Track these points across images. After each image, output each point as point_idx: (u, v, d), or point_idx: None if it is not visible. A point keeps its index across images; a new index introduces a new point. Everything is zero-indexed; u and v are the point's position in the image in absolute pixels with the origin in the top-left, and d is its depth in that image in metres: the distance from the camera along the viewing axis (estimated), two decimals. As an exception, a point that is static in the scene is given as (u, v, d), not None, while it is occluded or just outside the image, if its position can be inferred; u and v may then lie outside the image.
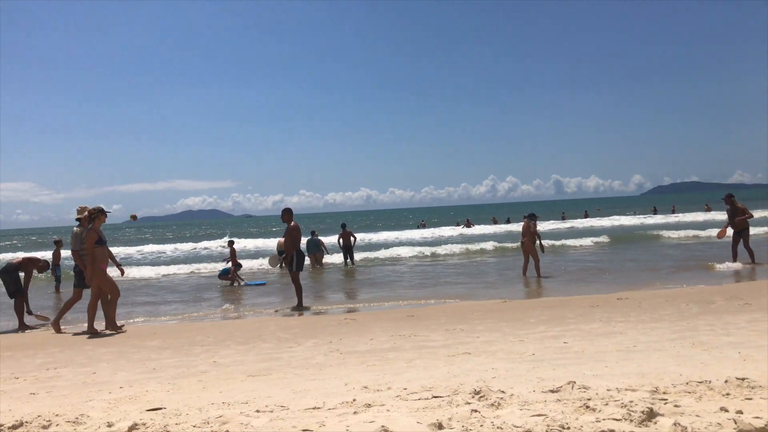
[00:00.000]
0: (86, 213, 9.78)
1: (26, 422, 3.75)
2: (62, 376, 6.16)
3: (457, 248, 24.62)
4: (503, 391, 3.93)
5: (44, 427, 3.62)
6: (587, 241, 25.47)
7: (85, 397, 4.90)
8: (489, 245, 24.94)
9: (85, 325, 9.68)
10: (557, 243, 24.80)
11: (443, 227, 48.28)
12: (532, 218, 15.34)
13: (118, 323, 9.94)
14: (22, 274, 11.07)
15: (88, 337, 9.08)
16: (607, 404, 3.41)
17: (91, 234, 9.47)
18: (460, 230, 43.22)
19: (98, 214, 9.65)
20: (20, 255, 16.32)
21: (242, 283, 16.60)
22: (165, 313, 12.13)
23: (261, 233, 55.13)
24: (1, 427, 3.68)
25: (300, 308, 11.37)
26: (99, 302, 9.74)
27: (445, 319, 8.79)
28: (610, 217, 48.93)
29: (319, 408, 3.70)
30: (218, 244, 39.28)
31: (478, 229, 43.29)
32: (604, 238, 26.55)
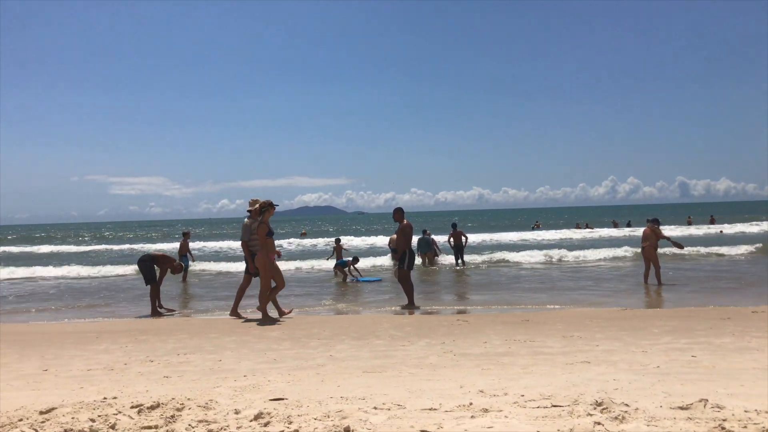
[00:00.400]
0: (257, 206, 10.39)
1: (162, 404, 4.02)
2: (191, 361, 6.56)
3: (573, 252, 23.76)
4: (627, 405, 3.76)
5: (178, 410, 3.87)
6: (740, 249, 22.87)
7: (213, 383, 5.19)
8: (608, 251, 23.81)
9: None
10: (704, 250, 22.90)
11: (560, 229, 46.85)
12: (654, 223, 14.63)
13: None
14: (157, 268, 11.93)
15: (242, 322, 9.91)
16: (745, 427, 3.18)
17: (263, 226, 10.15)
18: (580, 233, 41.79)
19: (268, 207, 10.29)
20: (160, 249, 17.58)
21: (357, 279, 16.92)
22: (283, 305, 12.59)
23: (372, 231, 56.01)
24: (141, 407, 3.97)
25: (411, 307, 11.44)
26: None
27: (562, 326, 8.54)
28: (750, 223, 44.98)
29: (435, 409, 3.71)
30: (325, 242, 40.27)
31: (597, 233, 41.70)
32: (748, 247, 23.68)
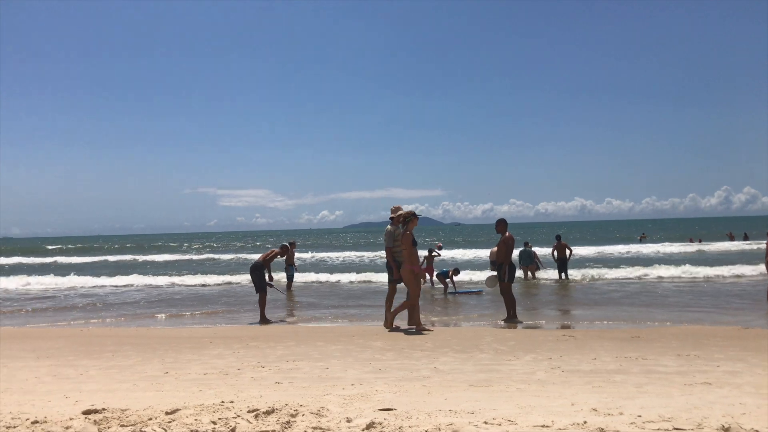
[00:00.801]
0: (399, 213, 10.54)
1: (277, 410, 4.17)
2: (300, 368, 6.75)
3: (684, 266, 22.50)
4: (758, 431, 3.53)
5: (292, 416, 4.00)
6: None
7: (322, 391, 5.33)
8: (726, 267, 22.32)
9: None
10: None
11: (669, 243, 44.57)
12: None
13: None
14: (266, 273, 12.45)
15: (405, 332, 9.90)
16: None
17: (408, 237, 10.23)
18: (692, 245, 39.61)
19: (411, 217, 10.38)
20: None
21: (456, 291, 16.83)
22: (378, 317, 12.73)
23: (469, 243, 55.44)
24: (257, 412, 4.14)
25: (512, 320, 11.23)
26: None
27: (677, 344, 8.12)
28: None
29: (548, 426, 3.63)
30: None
31: (711, 245, 39.37)
32: None
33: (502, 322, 11.22)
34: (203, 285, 21.71)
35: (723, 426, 3.58)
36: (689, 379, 5.79)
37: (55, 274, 26.61)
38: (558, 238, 20.92)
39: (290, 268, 19.11)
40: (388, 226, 10.64)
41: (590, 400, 4.69)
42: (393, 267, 10.38)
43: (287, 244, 14.21)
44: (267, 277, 12.53)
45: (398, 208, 10.67)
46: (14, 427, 3.92)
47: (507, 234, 11.49)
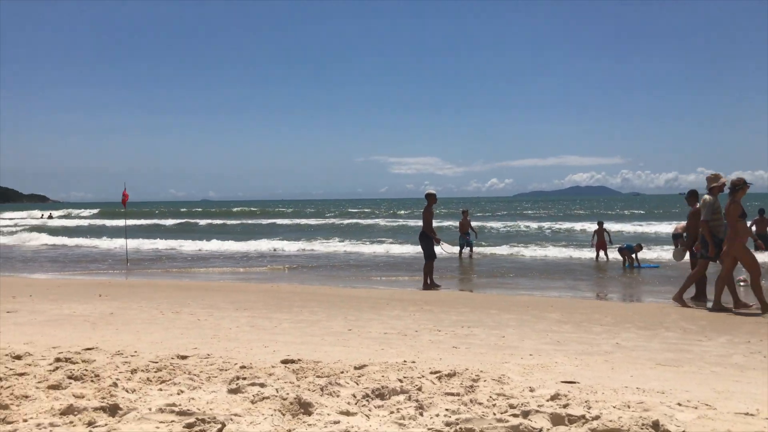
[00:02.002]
0: (721, 182, 9.62)
1: (458, 373, 4.27)
2: (476, 335, 6.83)
3: None
4: None
5: (474, 381, 4.07)
6: None
7: (500, 359, 5.36)
8: None
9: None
10: None
11: None
12: None
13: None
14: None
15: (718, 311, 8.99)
16: None
17: (735, 207, 9.28)
18: None
19: (742, 185, 9.42)
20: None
21: (635, 265, 15.95)
22: (556, 287, 12.44)
23: (651, 216, 51.69)
24: (440, 373, 4.27)
25: (700, 301, 10.27)
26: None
27: None
28: None
29: (752, 415, 3.37)
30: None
31: None
32: None
33: (691, 301, 10.39)
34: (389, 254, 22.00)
35: None
36: None
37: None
38: (761, 212, 18.84)
39: (462, 237, 18.96)
40: (706, 196, 9.68)
41: (801, 390, 4.27)
42: (710, 243, 9.47)
43: (433, 192, 12.53)
44: (434, 240, 12.37)
45: (717, 176, 9.78)
46: (226, 369, 4.40)
47: (697, 205, 10.57)
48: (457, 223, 20.40)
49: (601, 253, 17.52)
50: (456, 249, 15.12)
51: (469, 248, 19.04)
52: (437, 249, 12.63)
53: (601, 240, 17.56)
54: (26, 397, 3.48)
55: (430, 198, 12.33)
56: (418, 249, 13.06)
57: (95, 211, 62.27)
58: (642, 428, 2.94)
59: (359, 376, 4.17)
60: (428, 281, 12.19)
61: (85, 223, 46.88)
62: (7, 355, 4.78)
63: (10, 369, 4.27)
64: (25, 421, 3.10)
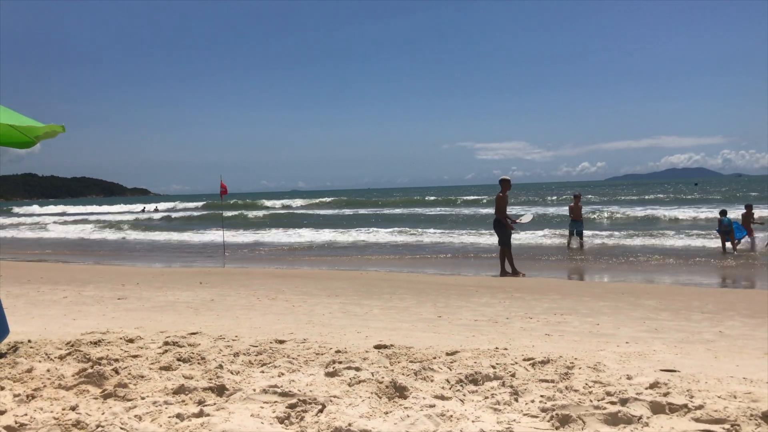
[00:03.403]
0: None
1: (552, 360, 4.23)
2: (569, 322, 6.72)
3: None
4: None
5: (569, 368, 4.02)
6: None
7: (596, 347, 5.25)
8: None
9: None
10: None
11: None
12: None
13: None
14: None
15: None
16: None
17: None
18: None
19: None
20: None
21: (762, 246, 15.06)
22: (653, 270, 11.99)
23: (754, 198, 48.29)
24: (533, 360, 4.24)
25: None
26: None
27: None
28: None
29: None
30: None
31: None
32: None
33: None
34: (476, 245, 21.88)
35: None
36: None
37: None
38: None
39: (574, 224, 17.20)
40: None
41: None
42: None
43: (507, 178, 12.30)
44: (509, 223, 12.17)
45: None
46: (322, 354, 4.55)
47: None
48: (567, 209, 18.24)
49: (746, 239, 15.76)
50: (529, 218, 13.79)
51: (579, 237, 17.11)
52: (515, 228, 12.58)
53: (747, 225, 15.95)
54: (142, 377, 3.74)
55: (504, 184, 12.20)
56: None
57: (199, 204, 64.71)
58: (750, 419, 2.83)
59: (452, 362, 4.21)
60: (506, 268, 11.97)
61: (192, 213, 48.96)
62: (121, 338, 5.14)
63: (125, 351, 4.60)
64: (142, 399, 3.35)
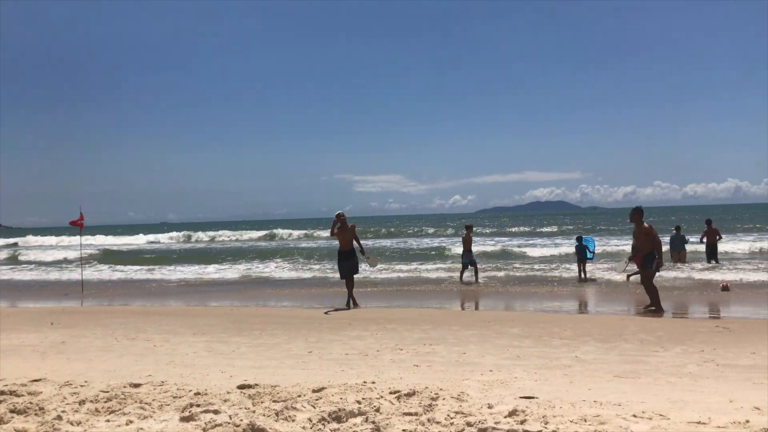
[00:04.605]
0: None
1: (418, 392, 4.25)
2: (437, 352, 6.82)
3: None
4: None
5: (433, 399, 4.05)
6: None
7: (461, 376, 5.35)
8: None
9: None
10: None
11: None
12: None
13: None
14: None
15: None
16: None
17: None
18: None
19: None
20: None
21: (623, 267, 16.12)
22: (520, 298, 12.53)
23: (609, 231, 52.31)
24: (399, 393, 4.24)
25: (656, 311, 10.49)
26: None
27: None
28: None
29: (704, 423, 3.42)
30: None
31: None
32: None
33: (643, 310, 10.64)
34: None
35: None
36: None
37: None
38: (708, 223, 19.57)
39: (470, 254, 16.53)
40: None
41: (750, 397, 4.35)
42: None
43: (341, 212, 12.46)
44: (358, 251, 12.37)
45: None
46: (179, 397, 4.29)
47: (646, 226, 10.76)
48: (458, 242, 18.06)
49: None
50: (379, 265, 13.52)
51: (473, 268, 16.45)
52: (363, 261, 12.80)
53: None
54: (-35, 434, 3.33)
55: (339, 218, 12.39)
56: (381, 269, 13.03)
57: (58, 237, 60.05)
58: (597, 442, 2.95)
59: (317, 399, 4.11)
60: (352, 300, 12.19)
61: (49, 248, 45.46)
62: (-52, 390, 4.58)
63: (-49, 404, 4.08)
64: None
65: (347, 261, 12.40)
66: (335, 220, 12.42)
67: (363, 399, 4.06)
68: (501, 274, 18.63)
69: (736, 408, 3.94)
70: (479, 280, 16.26)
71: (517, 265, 20.60)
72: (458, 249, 19.51)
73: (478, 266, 16.94)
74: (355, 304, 12.08)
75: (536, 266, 20.49)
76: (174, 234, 58.34)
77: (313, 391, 4.42)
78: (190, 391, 4.48)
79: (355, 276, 12.65)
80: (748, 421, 3.45)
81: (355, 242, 12.46)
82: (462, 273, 16.69)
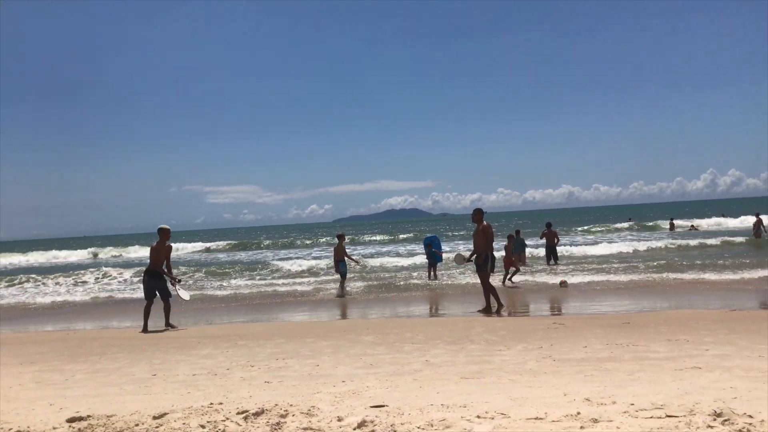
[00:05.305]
0: None
1: (267, 410, 4.10)
2: (290, 366, 6.68)
3: (665, 244, 22.73)
4: (751, 416, 3.51)
5: (282, 417, 3.93)
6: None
7: (313, 389, 5.26)
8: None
9: None
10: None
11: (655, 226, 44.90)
12: None
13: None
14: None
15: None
16: None
17: None
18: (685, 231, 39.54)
19: None
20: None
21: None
22: (370, 304, 12.69)
23: (458, 236, 54.85)
24: (247, 413, 4.07)
25: (491, 311, 11.04)
26: None
27: (666, 328, 8.14)
28: None
29: (541, 419, 3.59)
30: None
31: (705, 226, 39.89)
32: None
33: (478, 312, 11.14)
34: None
35: (715, 411, 3.56)
36: (680, 364, 5.79)
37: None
38: (548, 225, 21.07)
39: (342, 265, 16.16)
40: None
41: (583, 389, 4.67)
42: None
43: (166, 227, 11.19)
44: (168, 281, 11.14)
45: None
46: (-3, 437, 3.83)
47: (485, 223, 11.38)
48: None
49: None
50: (186, 296, 11.81)
51: (341, 280, 16.26)
52: (173, 291, 11.40)
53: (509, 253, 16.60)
54: None
55: (163, 233, 11.12)
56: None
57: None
58: (441, 447, 2.99)
59: (157, 427, 3.84)
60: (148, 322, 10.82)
61: None
62: None
63: None
64: None
65: (154, 280, 11.04)
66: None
67: (208, 422, 3.85)
68: (360, 283, 18.82)
69: (569, 401, 4.20)
70: (345, 292, 15.80)
71: (374, 273, 20.92)
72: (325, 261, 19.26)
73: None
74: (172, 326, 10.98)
75: (392, 273, 20.97)
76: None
77: (154, 417, 4.12)
78: (10, 429, 4.01)
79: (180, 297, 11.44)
80: (579, 413, 3.68)
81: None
82: (342, 284, 16.06)
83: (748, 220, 31.41)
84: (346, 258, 16.30)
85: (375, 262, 25.07)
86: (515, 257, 20.09)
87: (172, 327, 10.96)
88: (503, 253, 16.39)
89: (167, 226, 11.21)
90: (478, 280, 11.65)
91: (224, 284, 20.02)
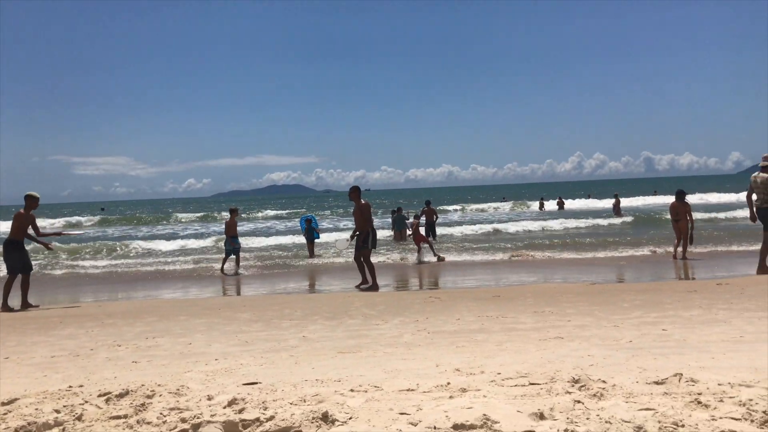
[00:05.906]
0: None
1: (132, 391, 3.88)
2: (160, 345, 6.40)
3: (538, 225, 24.06)
4: (604, 381, 3.75)
5: (148, 397, 3.74)
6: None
7: (184, 368, 5.06)
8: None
9: None
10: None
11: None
12: (681, 197, 14.06)
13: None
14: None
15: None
16: (721, 401, 3.18)
17: None
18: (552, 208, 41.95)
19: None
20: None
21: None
22: (248, 280, 12.47)
23: (340, 213, 55.08)
24: (109, 395, 3.83)
25: (373, 288, 11.17)
26: None
27: (533, 301, 8.59)
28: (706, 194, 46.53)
29: (413, 390, 3.65)
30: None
31: (572, 206, 42.36)
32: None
33: (358, 289, 11.23)
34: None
35: (573, 378, 3.77)
36: (544, 334, 6.11)
37: None
38: (427, 203, 21.63)
39: (234, 240, 15.29)
40: (762, 174, 10.43)
41: (454, 360, 4.80)
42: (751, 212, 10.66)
43: (34, 194, 10.45)
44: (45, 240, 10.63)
45: None
46: None
47: (363, 201, 11.44)
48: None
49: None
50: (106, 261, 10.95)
51: (236, 256, 15.32)
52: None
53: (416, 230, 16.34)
54: None
55: (30, 200, 10.39)
56: None
57: None
58: (312, 422, 2.96)
59: (5, 414, 3.52)
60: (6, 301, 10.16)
61: None
62: None
63: None
64: None
65: (18, 252, 10.32)
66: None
67: (64, 407, 3.59)
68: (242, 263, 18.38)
69: (440, 372, 4.30)
70: (240, 270, 15.05)
71: (253, 252, 20.48)
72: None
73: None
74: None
75: (270, 251, 20.70)
76: None
77: (2, 404, 3.79)
78: None
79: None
80: (449, 383, 3.77)
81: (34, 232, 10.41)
82: (224, 262, 15.22)
83: (611, 202, 33.86)
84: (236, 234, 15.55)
85: (256, 241, 24.58)
86: (396, 233, 20.51)
87: (32, 306, 10.20)
88: (391, 231, 16.61)
89: (36, 194, 10.45)
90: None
91: (93, 263, 18.90)
